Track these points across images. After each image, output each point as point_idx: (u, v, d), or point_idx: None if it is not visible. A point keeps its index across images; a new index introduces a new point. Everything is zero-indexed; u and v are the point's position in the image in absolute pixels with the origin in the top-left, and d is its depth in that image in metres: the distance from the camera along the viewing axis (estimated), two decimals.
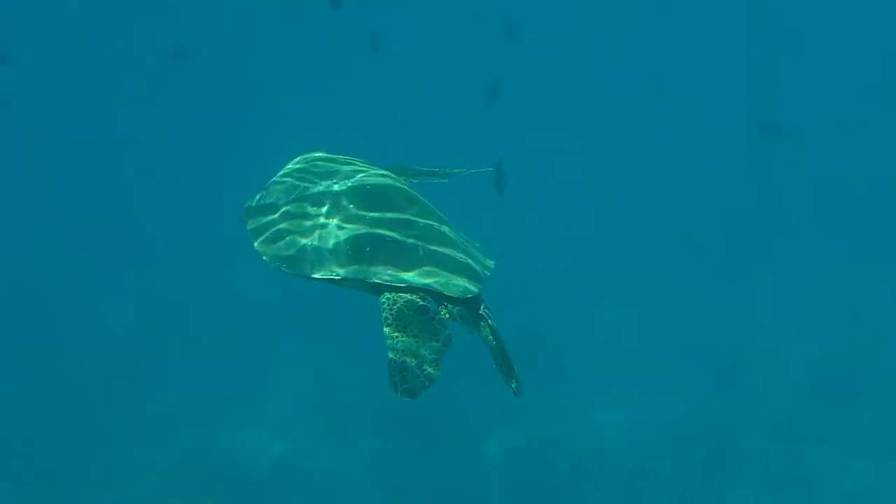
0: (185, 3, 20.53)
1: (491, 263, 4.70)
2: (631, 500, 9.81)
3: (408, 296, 4.27)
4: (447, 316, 4.30)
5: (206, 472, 9.82)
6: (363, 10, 17.28)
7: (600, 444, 10.45)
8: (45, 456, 9.91)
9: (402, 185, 4.94)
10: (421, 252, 4.40)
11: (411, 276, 4.30)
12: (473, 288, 4.36)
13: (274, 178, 5.00)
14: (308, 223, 4.55)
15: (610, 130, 18.87)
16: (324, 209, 4.58)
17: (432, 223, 4.61)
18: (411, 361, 4.09)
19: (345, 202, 4.60)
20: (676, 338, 12.23)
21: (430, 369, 4.08)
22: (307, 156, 5.16)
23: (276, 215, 4.66)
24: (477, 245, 4.85)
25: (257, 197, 4.91)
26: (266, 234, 4.58)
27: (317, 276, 4.32)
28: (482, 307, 4.47)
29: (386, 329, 4.21)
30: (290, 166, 5.07)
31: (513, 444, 10.37)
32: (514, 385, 4.39)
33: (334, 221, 4.51)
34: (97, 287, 13.26)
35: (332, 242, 4.41)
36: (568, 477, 10.01)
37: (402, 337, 4.16)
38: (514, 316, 11.18)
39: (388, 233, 4.44)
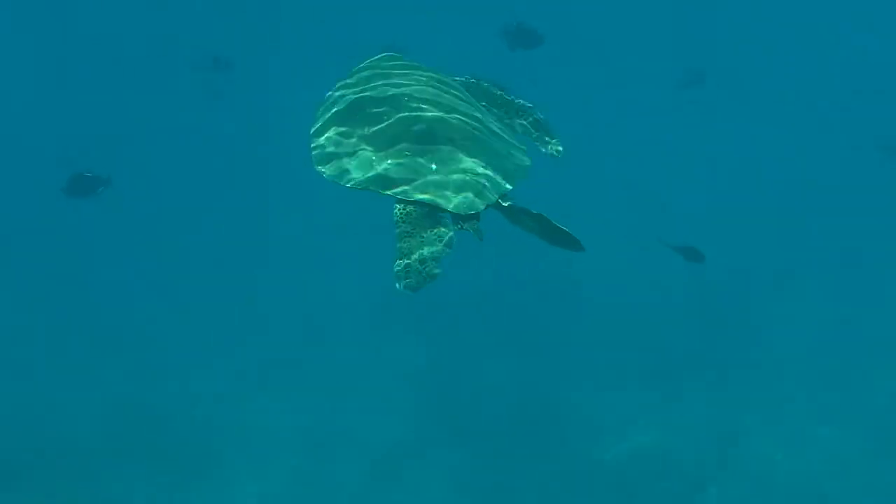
0: None
1: (526, 162, 4.97)
2: None
3: (415, 206, 4.64)
4: (460, 227, 4.63)
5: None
6: None
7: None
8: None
9: (448, 91, 5.16)
10: (435, 166, 4.71)
11: (420, 192, 4.63)
12: (480, 204, 4.64)
13: (338, 86, 5.33)
14: (350, 140, 4.92)
15: None
16: (363, 127, 4.93)
17: (461, 131, 4.87)
18: (415, 259, 4.49)
19: (379, 115, 4.94)
20: None
21: (431, 267, 4.47)
22: (372, 61, 5.49)
23: (329, 134, 5.01)
24: (522, 148, 5.11)
25: (322, 105, 5.27)
26: (320, 151, 4.98)
27: (349, 185, 4.74)
28: (507, 204, 4.74)
29: (396, 233, 4.61)
30: (356, 73, 5.39)
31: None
32: (575, 246, 4.73)
33: (369, 138, 4.88)
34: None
35: (362, 159, 4.79)
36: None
37: (409, 239, 4.56)
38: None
39: (409, 146, 4.78)
